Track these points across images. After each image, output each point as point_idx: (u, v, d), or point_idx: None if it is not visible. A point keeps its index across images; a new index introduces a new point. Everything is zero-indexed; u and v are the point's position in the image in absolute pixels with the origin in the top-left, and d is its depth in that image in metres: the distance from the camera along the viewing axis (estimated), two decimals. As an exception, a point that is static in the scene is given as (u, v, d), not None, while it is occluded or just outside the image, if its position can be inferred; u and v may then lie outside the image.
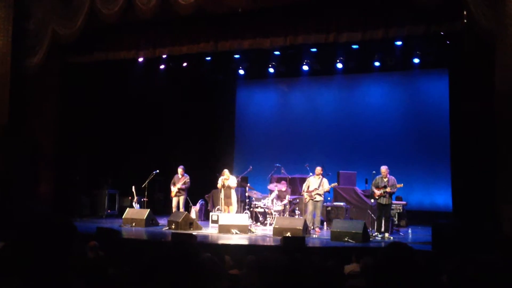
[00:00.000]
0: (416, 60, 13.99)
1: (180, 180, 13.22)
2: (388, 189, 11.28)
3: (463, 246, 8.41)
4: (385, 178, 11.44)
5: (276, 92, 17.86)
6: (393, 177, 11.47)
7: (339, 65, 14.68)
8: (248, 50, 13.21)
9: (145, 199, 13.61)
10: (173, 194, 13.31)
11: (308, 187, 12.14)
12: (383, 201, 11.37)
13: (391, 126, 15.80)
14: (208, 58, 15.18)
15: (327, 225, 12.64)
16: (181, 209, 13.10)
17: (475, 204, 9.27)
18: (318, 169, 12.20)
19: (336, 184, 13.11)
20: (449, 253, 8.02)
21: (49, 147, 12.90)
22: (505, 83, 8.47)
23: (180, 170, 13.36)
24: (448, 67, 13.14)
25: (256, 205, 13.31)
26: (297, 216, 12.79)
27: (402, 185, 11.37)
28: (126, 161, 15.66)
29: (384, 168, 11.53)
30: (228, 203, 12.63)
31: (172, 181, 13.42)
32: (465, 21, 9.28)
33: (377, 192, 11.40)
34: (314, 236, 11.39)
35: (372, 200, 12.09)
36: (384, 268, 2.46)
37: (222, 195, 12.64)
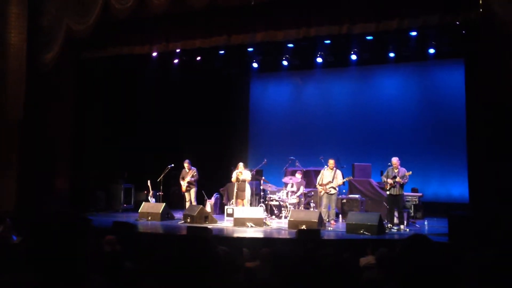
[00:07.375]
0: (432, 51, 13.80)
1: (188, 173, 13.24)
2: (398, 179, 11.19)
3: (480, 238, 8.35)
4: (395, 169, 11.36)
5: (290, 84, 17.80)
6: (403, 168, 11.38)
7: (353, 57, 14.52)
8: (261, 43, 13.13)
9: (160, 193, 13.68)
10: (183, 189, 13.36)
11: (322, 180, 12.10)
12: (394, 191, 11.31)
13: (406, 117, 15.67)
14: (222, 52, 15.15)
15: (342, 218, 12.60)
16: (193, 202, 13.15)
17: (491, 195, 9.18)
18: (331, 162, 12.13)
19: (351, 177, 13.04)
20: (466, 245, 7.97)
21: (65, 142, 12.99)
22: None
23: (186, 164, 13.38)
24: (464, 57, 12.97)
25: (271, 198, 13.30)
26: (312, 209, 12.76)
27: (411, 172, 11.28)
28: (141, 155, 15.73)
29: (395, 160, 11.46)
30: (241, 197, 12.64)
31: (181, 176, 13.46)
32: (481, 10, 9.16)
33: (389, 181, 11.32)
34: (329, 228, 11.36)
35: (388, 192, 12.04)
36: (403, 259, 2.44)
37: (235, 189, 12.64)
